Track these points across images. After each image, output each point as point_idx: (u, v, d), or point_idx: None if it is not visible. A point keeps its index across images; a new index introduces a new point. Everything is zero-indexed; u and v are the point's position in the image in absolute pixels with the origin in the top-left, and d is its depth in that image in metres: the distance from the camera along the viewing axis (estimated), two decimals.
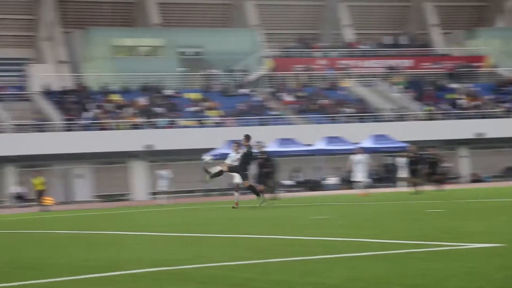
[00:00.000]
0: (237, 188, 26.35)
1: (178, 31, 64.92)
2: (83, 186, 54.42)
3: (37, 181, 37.26)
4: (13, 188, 51.27)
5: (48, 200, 38.81)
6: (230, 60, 63.92)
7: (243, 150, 25.30)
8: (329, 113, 59.26)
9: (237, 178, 25.92)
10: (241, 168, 24.89)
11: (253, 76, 64.18)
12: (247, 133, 25.72)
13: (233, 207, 25.28)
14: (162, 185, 41.20)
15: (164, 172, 37.74)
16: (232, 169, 25.17)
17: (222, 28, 67.09)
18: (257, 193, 25.11)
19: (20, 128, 53.20)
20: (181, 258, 9.59)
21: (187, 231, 14.66)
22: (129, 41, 63.13)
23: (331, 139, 52.91)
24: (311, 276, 7.52)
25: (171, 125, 56.45)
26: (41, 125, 53.61)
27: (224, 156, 30.28)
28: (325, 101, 60.91)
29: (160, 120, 56.48)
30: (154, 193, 48.44)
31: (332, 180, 54.12)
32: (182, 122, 56.76)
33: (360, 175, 35.07)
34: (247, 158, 25.06)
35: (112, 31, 62.86)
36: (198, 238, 12.86)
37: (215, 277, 7.85)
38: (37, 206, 37.11)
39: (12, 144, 51.01)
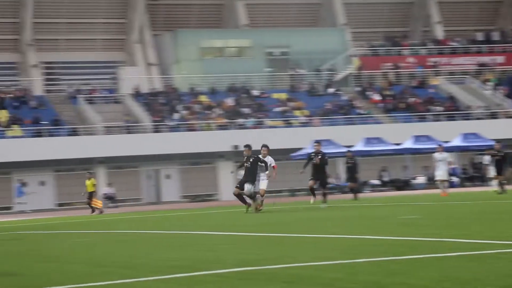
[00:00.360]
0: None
1: (266, 31, 65.08)
2: (171, 186, 55.01)
3: (89, 183, 37.70)
4: (104, 189, 52.15)
5: (98, 202, 39.19)
6: (317, 59, 63.77)
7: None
8: (418, 112, 58.57)
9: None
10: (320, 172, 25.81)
11: (340, 75, 63.87)
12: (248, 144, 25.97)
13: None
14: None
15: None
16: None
17: (309, 28, 66.95)
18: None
19: (110, 130, 54.11)
20: (266, 258, 9.57)
21: (272, 231, 14.65)
22: (217, 43, 63.56)
23: (419, 138, 52.26)
24: (399, 276, 7.42)
25: (258, 125, 56.61)
26: (130, 127, 54.43)
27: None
28: (414, 100, 60.22)
29: (247, 121, 56.71)
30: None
31: (419, 179, 53.44)
32: (269, 122, 56.87)
33: (441, 173, 34.03)
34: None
35: (201, 32, 63.39)
36: (283, 238, 12.83)
37: (301, 277, 7.80)
38: (89, 209, 37.64)
39: (103, 145, 51.91)
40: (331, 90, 61.51)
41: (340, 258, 9.08)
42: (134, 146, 52.38)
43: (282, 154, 56.54)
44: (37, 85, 59.66)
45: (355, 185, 36.59)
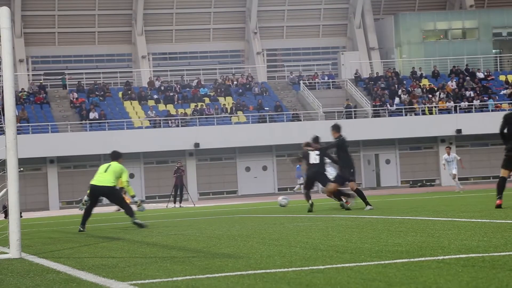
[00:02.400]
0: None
1: (493, 11, 63.00)
2: (390, 171, 54.58)
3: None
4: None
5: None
6: None
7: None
8: None
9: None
10: None
11: None
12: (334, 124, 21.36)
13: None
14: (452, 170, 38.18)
15: (447, 156, 35.38)
16: None
17: None
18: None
19: (330, 115, 54.38)
20: (491, 245, 9.17)
21: (497, 217, 14.07)
22: (441, 25, 62.26)
23: None
24: None
25: (483, 109, 55.02)
26: (350, 112, 54.46)
27: None
28: None
29: (471, 104, 55.23)
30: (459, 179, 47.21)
31: None
32: (495, 105, 55.11)
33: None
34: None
35: (424, 15, 62.34)
36: (504, 225, 12.28)
37: None
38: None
39: (322, 130, 52.11)
40: None
41: None
42: (354, 131, 52.35)
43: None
44: (260, 72, 60.99)
45: None
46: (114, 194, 18.64)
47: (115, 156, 19.03)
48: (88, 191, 19.02)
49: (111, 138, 49.43)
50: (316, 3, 62.99)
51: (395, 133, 52.98)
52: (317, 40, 63.54)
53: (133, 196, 19.02)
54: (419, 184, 53.81)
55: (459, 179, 37.76)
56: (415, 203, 24.57)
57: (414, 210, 18.76)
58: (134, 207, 19.17)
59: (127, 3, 60.59)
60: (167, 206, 38.79)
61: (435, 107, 54.96)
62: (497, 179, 17.09)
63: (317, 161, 21.52)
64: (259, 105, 54.97)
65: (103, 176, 18.51)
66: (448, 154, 35.78)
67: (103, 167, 18.81)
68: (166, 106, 54.84)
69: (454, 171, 35.39)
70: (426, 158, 54.84)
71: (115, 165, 18.68)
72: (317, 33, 63.60)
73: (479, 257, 8.15)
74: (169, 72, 60.60)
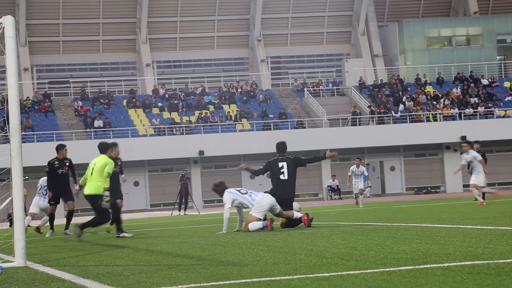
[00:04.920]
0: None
1: (497, 18, 62.99)
2: (395, 178, 54.56)
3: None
4: (328, 181, 52.76)
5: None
6: None
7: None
8: None
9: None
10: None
11: None
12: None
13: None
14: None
15: (356, 169, 33.48)
16: None
17: None
18: None
19: (335, 122, 54.38)
20: (496, 252, 9.16)
21: (502, 224, 14.05)
22: (445, 31, 62.26)
23: None
24: None
25: (487, 115, 55.00)
26: (355, 119, 54.44)
27: None
28: None
29: (476, 111, 55.20)
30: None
31: None
32: (499, 112, 55.08)
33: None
34: None
35: (428, 22, 62.37)
36: (510, 232, 12.27)
37: None
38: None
39: (327, 138, 52.21)
40: None
41: None
42: (358, 138, 52.38)
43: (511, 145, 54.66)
44: (264, 79, 61.02)
45: None
46: (93, 204, 17.20)
47: (102, 148, 17.41)
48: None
49: None
50: (320, 11, 63.04)
51: (400, 140, 52.97)
52: (321, 47, 63.58)
53: (106, 189, 17.00)
54: (424, 191, 53.77)
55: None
56: (420, 210, 24.53)
57: (419, 217, 18.74)
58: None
59: (131, 11, 60.70)
60: (171, 214, 38.80)
61: (440, 114, 54.93)
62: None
63: None
64: (264, 113, 54.98)
65: (89, 183, 17.21)
66: (358, 166, 32.00)
67: (89, 168, 17.31)
68: (170, 114, 54.88)
69: (361, 186, 31.79)
70: (431, 165, 54.80)
71: (100, 161, 17.09)
72: (321, 41, 63.63)
73: (485, 264, 8.14)
74: (173, 80, 60.66)
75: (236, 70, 63.15)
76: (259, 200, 16.71)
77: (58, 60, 60.54)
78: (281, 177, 17.18)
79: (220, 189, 17.24)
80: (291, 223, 16.91)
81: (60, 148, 21.47)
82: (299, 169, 17.58)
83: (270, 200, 16.69)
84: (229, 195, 16.92)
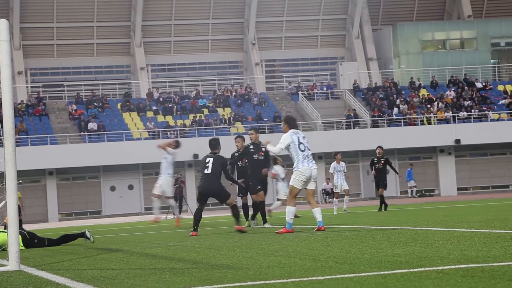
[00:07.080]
0: None
1: (491, 21, 63.12)
2: (389, 182, 54.54)
3: None
4: (322, 185, 52.85)
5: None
6: None
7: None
8: None
9: None
10: None
11: None
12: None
13: None
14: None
15: (337, 165, 32.94)
16: None
17: None
18: None
19: (329, 126, 54.42)
20: (490, 255, 9.17)
21: (496, 227, 14.08)
22: (439, 35, 62.36)
23: None
24: None
25: (481, 118, 55.11)
26: (349, 122, 54.48)
27: None
28: None
29: (470, 114, 55.30)
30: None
31: None
32: (493, 115, 55.18)
33: None
34: None
35: (422, 25, 62.48)
36: (503, 235, 12.27)
37: None
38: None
39: (321, 141, 52.25)
40: None
41: None
42: (352, 141, 52.42)
43: (505, 148, 54.81)
44: (259, 82, 61.05)
45: None
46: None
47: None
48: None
49: (110, 149, 49.41)
50: (314, 14, 63.11)
51: (394, 143, 52.98)
52: (316, 50, 63.63)
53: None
54: (418, 194, 53.83)
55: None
56: (414, 213, 24.55)
57: (413, 220, 18.75)
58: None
59: (126, 15, 60.67)
60: (166, 217, 38.75)
61: (434, 117, 55.00)
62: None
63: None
64: (258, 116, 55.00)
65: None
66: (338, 162, 30.53)
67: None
68: (165, 117, 54.86)
69: (345, 185, 30.26)
70: (425, 168, 54.86)
71: None
72: (316, 44, 63.69)
73: (479, 267, 8.14)
74: (167, 83, 60.64)
75: (231, 74, 63.17)
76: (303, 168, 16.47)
77: (52, 64, 60.49)
78: (205, 171, 18.32)
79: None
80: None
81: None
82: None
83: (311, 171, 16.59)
84: (289, 137, 16.38)
